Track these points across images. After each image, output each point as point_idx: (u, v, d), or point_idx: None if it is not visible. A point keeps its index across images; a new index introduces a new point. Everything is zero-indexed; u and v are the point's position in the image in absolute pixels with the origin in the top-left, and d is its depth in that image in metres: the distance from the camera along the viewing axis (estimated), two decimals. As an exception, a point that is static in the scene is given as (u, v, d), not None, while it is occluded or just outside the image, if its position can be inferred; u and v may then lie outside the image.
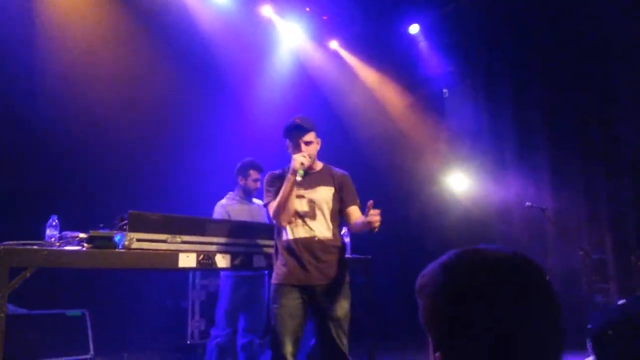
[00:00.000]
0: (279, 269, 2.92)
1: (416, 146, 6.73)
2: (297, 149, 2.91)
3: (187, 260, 3.07)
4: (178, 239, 3.08)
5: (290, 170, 2.84)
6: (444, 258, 0.96)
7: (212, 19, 5.83)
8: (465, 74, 6.89)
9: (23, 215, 4.03)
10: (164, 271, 3.67)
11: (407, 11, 6.75)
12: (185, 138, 5.64)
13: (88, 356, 4.12)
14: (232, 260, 3.16)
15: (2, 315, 2.30)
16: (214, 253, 3.22)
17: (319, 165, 3.06)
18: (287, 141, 2.99)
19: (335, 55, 6.94)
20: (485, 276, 0.89)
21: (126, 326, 4.69)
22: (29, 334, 3.83)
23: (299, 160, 2.82)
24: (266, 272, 3.88)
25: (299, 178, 2.80)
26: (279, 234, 2.97)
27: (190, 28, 5.68)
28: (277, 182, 2.97)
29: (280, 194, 2.86)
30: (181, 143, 5.60)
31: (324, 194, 2.94)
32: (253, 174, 4.05)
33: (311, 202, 2.91)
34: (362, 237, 4.30)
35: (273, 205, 2.91)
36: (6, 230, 2.86)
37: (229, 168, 4.25)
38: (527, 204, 5.14)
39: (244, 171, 4.06)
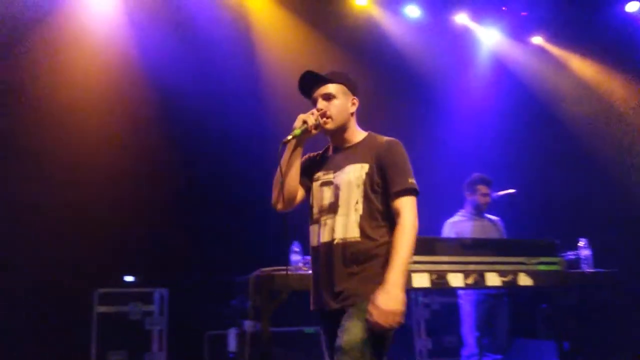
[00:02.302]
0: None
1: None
2: (314, 106, 2.12)
3: (421, 280, 3.06)
4: (409, 259, 3.10)
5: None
6: None
7: (406, 34, 5.84)
8: None
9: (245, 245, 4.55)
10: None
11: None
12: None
13: (325, 371, 4.37)
14: (464, 279, 3.08)
15: (267, 333, 2.55)
16: (446, 272, 3.17)
17: (358, 136, 2.15)
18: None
19: (541, 50, 6.40)
20: None
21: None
22: (274, 349, 4.21)
23: (302, 117, 2.04)
24: (505, 290, 3.71)
25: (289, 137, 2.02)
26: None
27: (383, 44, 5.76)
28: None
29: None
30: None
31: (352, 174, 2.02)
32: (481, 188, 4.00)
33: (336, 189, 2.04)
34: (603, 245, 3.77)
35: None
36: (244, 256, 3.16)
37: (452, 184, 4.23)
38: None
39: (471, 187, 4.04)
